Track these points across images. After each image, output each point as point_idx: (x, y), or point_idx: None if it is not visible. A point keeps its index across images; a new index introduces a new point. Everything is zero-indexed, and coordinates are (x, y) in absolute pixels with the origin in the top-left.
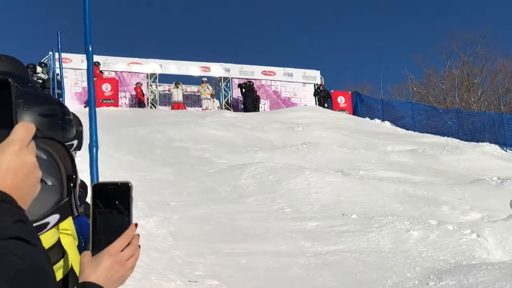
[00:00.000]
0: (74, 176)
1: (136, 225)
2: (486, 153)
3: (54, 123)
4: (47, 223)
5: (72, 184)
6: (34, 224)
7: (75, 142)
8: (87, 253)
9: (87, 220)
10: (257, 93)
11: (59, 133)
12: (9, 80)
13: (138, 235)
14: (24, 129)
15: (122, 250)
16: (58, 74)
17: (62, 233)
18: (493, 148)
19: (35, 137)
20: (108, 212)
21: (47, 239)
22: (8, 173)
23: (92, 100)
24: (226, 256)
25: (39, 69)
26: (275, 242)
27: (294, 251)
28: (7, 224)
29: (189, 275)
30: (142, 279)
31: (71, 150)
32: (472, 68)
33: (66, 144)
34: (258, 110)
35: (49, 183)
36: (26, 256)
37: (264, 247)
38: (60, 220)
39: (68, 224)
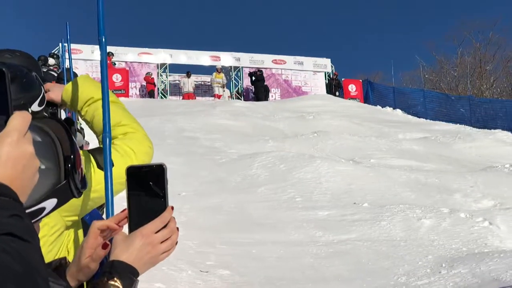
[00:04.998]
0: (72, 157)
1: (172, 208)
2: (499, 140)
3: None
4: (43, 208)
5: (70, 165)
6: (28, 210)
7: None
8: (121, 233)
9: (98, 212)
10: (266, 83)
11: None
12: (3, 69)
13: (174, 218)
14: (21, 118)
15: (156, 232)
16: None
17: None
18: (506, 135)
19: (33, 117)
20: (143, 195)
21: (49, 228)
22: (7, 164)
23: (105, 92)
24: (237, 246)
25: (51, 60)
26: (286, 231)
27: (305, 241)
28: (1, 219)
29: (200, 265)
30: (153, 269)
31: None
32: (484, 55)
33: (39, 97)
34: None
35: (42, 166)
36: (17, 253)
37: (275, 236)
38: (59, 204)
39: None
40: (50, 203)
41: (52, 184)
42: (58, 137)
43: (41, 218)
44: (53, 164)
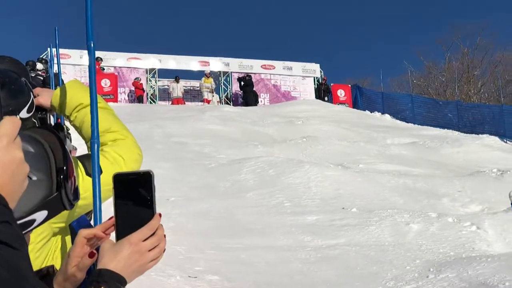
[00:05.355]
0: (65, 168)
1: (160, 215)
2: (486, 145)
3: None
4: (33, 220)
5: (62, 177)
6: (19, 222)
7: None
8: (109, 241)
9: (86, 219)
10: (256, 88)
11: (19, 98)
12: None
13: (162, 226)
14: (11, 123)
15: (144, 240)
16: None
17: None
18: (493, 140)
19: (28, 128)
20: (130, 203)
21: (36, 234)
22: None
23: (94, 97)
24: (226, 251)
25: (39, 65)
26: (275, 236)
27: (294, 246)
28: None
29: (189, 270)
30: (142, 275)
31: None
32: (472, 60)
33: (29, 103)
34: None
35: (34, 178)
36: (5, 261)
37: (264, 241)
38: (49, 216)
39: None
40: (41, 215)
41: (43, 196)
42: (51, 148)
43: (31, 230)
44: (45, 175)
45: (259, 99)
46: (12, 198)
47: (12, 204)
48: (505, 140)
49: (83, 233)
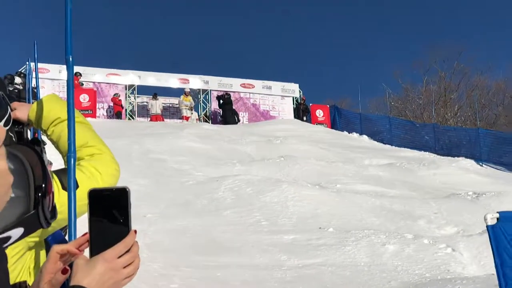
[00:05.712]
0: (43, 186)
1: (135, 231)
2: (462, 168)
3: None
4: (9, 237)
5: (40, 195)
6: None
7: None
8: (82, 257)
9: (62, 233)
10: (235, 107)
11: None
12: None
13: (137, 242)
14: None
15: (119, 257)
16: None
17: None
18: (469, 163)
19: (8, 144)
20: (105, 219)
21: (11, 249)
22: None
23: (71, 111)
24: (202, 269)
25: (18, 79)
26: (252, 255)
27: (270, 264)
28: None
29: (165, 287)
30: None
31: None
32: (449, 84)
33: (5, 117)
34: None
35: (12, 194)
36: None
37: (240, 260)
38: (25, 234)
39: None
40: (17, 232)
41: (20, 213)
42: (31, 165)
43: (6, 247)
44: (23, 192)
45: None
46: None
47: None
48: (480, 164)
49: (56, 248)
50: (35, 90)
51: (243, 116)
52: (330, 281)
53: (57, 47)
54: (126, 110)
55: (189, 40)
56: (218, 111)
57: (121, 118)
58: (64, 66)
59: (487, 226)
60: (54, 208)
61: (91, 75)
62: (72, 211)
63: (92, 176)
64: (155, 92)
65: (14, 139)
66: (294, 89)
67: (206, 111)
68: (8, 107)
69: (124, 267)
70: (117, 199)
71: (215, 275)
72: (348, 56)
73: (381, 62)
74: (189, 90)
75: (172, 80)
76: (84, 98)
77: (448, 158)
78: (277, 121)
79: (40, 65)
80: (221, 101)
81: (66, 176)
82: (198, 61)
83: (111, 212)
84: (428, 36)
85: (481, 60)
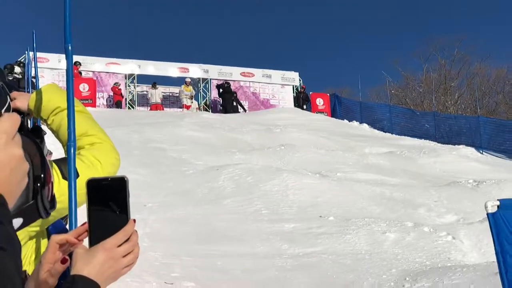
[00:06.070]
0: (42, 176)
1: (134, 221)
2: (462, 156)
3: None
4: None
5: (39, 185)
6: None
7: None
8: (82, 246)
9: (63, 223)
10: (237, 96)
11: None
12: None
13: (137, 231)
14: (10, 121)
15: (119, 246)
16: (34, 76)
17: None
18: (469, 151)
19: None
20: (104, 208)
21: None
22: None
23: (71, 100)
24: (202, 258)
25: (17, 69)
26: (252, 244)
27: (271, 253)
28: None
29: (165, 276)
30: (117, 280)
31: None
32: (449, 71)
33: (5, 107)
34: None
35: None
36: None
37: (241, 249)
38: (24, 224)
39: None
40: (16, 222)
41: (19, 203)
42: (30, 155)
43: None
44: None
45: (244, 107)
46: (10, 196)
47: (10, 202)
48: (481, 151)
49: (56, 238)
50: (34, 80)
51: (243, 105)
52: (331, 270)
53: (56, 36)
54: (126, 99)
55: (189, 29)
56: (218, 100)
57: (121, 108)
58: (64, 56)
59: (487, 214)
60: (53, 198)
61: (90, 65)
62: (73, 200)
63: (92, 165)
64: (154, 81)
65: None
66: (294, 77)
67: (206, 100)
68: (8, 96)
69: (124, 256)
70: (115, 188)
71: (215, 264)
72: (348, 45)
73: (382, 51)
74: (190, 80)
75: (171, 69)
76: (84, 88)
77: (448, 146)
78: (277, 110)
79: (39, 54)
80: (221, 90)
81: (67, 165)
82: (198, 50)
83: (109, 202)
84: (428, 23)
85: (481, 48)
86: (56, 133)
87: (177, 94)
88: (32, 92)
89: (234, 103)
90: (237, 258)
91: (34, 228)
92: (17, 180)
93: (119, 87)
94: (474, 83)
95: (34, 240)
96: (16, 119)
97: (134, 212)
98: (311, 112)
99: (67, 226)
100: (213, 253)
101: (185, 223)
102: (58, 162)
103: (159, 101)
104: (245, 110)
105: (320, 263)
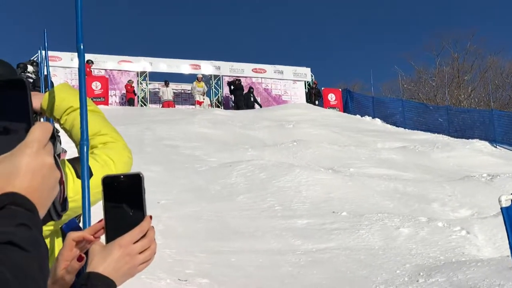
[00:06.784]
0: None
1: (150, 217)
2: (476, 150)
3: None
4: None
5: None
6: None
7: None
8: (98, 243)
9: (76, 221)
10: (246, 92)
11: None
12: (24, 79)
13: (153, 227)
14: (41, 129)
15: (135, 243)
16: (46, 74)
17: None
18: (483, 144)
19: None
20: (120, 205)
21: None
22: (26, 175)
23: (83, 99)
24: (216, 254)
25: (30, 68)
26: (265, 240)
27: (284, 249)
28: (4, 229)
29: (179, 273)
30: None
31: None
32: (462, 65)
33: None
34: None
35: None
36: (12, 263)
37: (254, 245)
38: None
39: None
40: None
41: None
42: None
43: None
44: None
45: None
46: (42, 203)
47: (42, 209)
48: (495, 145)
49: (72, 236)
50: (48, 79)
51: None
52: (345, 265)
53: (69, 35)
54: (138, 97)
55: (200, 26)
56: (230, 96)
57: (133, 105)
58: (76, 54)
59: (501, 208)
60: (65, 200)
61: (102, 63)
62: (86, 199)
63: (105, 164)
64: (166, 79)
65: None
66: (306, 73)
67: (218, 96)
68: None
69: (140, 253)
70: (131, 185)
71: (229, 260)
72: (360, 40)
73: (394, 45)
74: (201, 76)
75: (183, 66)
76: (96, 86)
77: (462, 140)
78: (289, 106)
79: (52, 53)
80: (232, 87)
81: (80, 164)
82: (209, 46)
83: (125, 198)
84: (440, 17)
85: (494, 41)
86: (69, 132)
87: (189, 91)
88: (45, 92)
89: (252, 99)
90: (250, 255)
91: (48, 227)
92: (48, 188)
93: (132, 85)
94: (488, 77)
95: (49, 239)
96: (47, 127)
97: (147, 209)
98: (323, 108)
99: (81, 224)
100: (227, 250)
101: (198, 220)
102: (72, 161)
103: (170, 98)
104: (260, 106)
105: (334, 259)
